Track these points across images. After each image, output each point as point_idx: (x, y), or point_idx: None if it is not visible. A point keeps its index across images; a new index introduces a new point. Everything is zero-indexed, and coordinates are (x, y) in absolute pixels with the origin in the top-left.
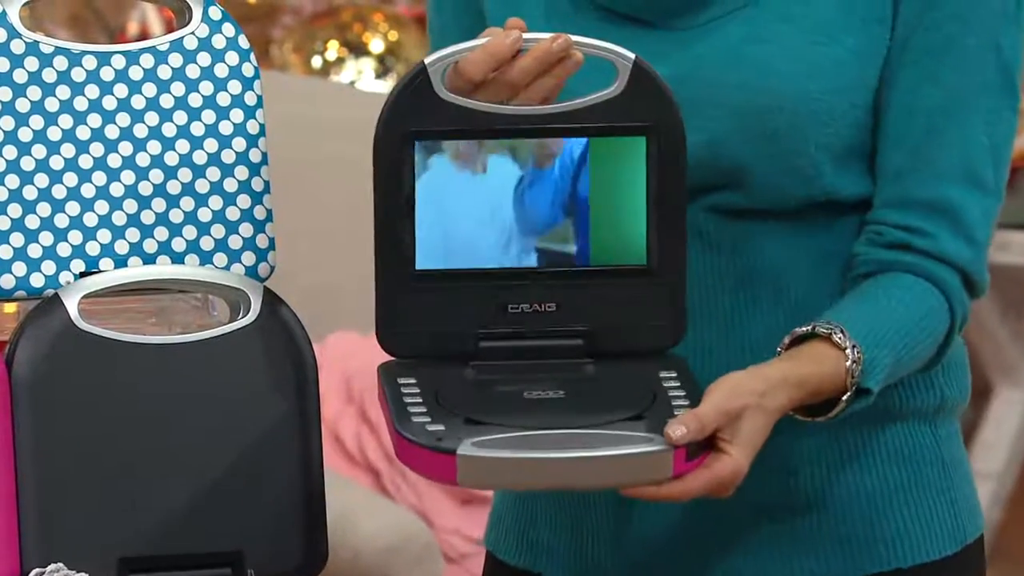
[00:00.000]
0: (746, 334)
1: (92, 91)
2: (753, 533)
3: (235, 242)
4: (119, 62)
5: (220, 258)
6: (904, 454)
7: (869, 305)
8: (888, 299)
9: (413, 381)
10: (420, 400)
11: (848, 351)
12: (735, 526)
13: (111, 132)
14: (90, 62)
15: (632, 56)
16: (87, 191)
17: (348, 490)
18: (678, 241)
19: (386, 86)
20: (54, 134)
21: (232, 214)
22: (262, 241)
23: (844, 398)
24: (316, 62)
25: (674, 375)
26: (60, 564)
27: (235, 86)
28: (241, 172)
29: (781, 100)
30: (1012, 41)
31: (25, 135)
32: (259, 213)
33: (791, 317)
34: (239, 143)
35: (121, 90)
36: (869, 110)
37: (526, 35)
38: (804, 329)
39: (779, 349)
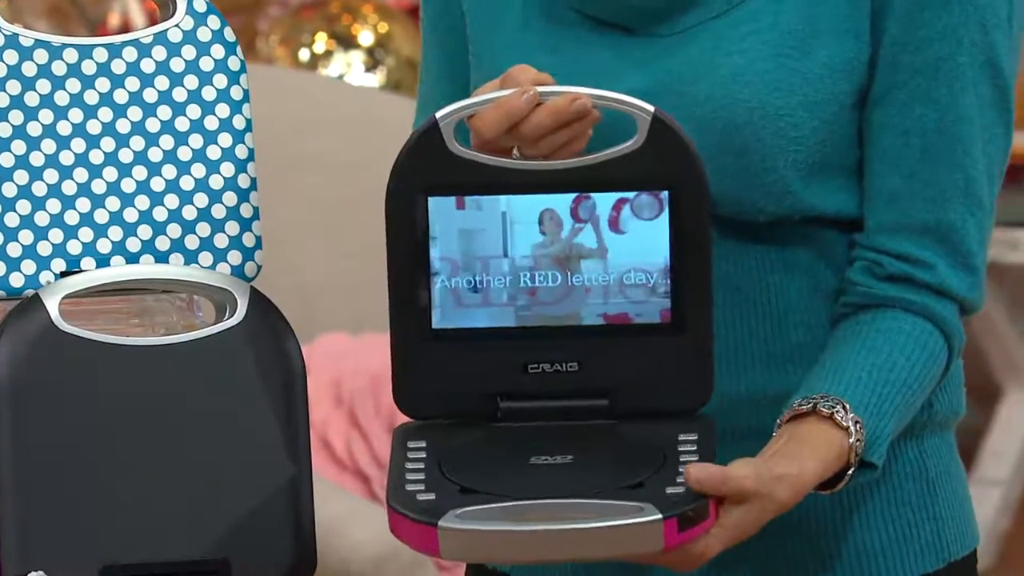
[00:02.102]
0: (726, 343)
1: (73, 85)
2: (727, 553)
3: (221, 241)
4: (101, 55)
5: (205, 257)
6: (884, 471)
7: (870, 362)
8: (890, 352)
9: (423, 444)
10: (422, 467)
11: (851, 428)
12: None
13: (93, 127)
14: (71, 55)
15: (651, 109)
16: (68, 188)
17: (337, 497)
18: (704, 297)
19: (376, 80)
20: (34, 129)
21: (218, 212)
22: (249, 240)
23: (848, 474)
24: (303, 55)
25: (694, 438)
26: (40, 572)
27: (221, 80)
28: (227, 169)
29: (747, 115)
30: (1004, 53)
31: (4, 130)
32: (245, 211)
33: (767, 331)
34: (225, 139)
35: (103, 84)
36: (844, 124)
37: (542, 89)
38: (805, 407)
39: (778, 422)
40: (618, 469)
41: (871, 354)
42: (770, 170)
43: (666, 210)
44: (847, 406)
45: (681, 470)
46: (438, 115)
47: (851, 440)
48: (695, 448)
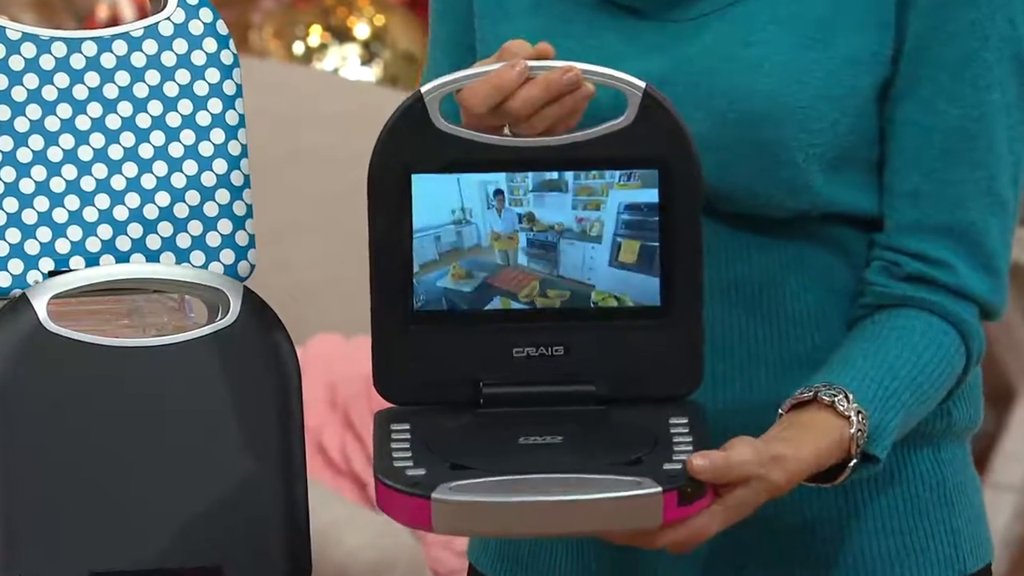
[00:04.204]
0: (733, 345)
1: (62, 79)
2: (737, 553)
3: (213, 239)
4: (90, 49)
5: (197, 256)
6: (900, 477)
7: (879, 358)
8: (900, 349)
9: (407, 427)
10: (407, 446)
11: (852, 418)
12: (716, 542)
13: (82, 123)
14: (59, 49)
15: (643, 85)
16: (56, 185)
17: (333, 502)
18: (694, 279)
19: (372, 74)
20: (21, 125)
21: (210, 210)
22: (242, 238)
23: (850, 465)
24: (298, 48)
25: (685, 421)
26: None
27: (213, 74)
28: (220, 165)
29: (767, 107)
30: None
31: None
32: (239, 209)
33: (779, 329)
34: (217, 135)
35: (92, 78)
36: (866, 118)
37: (533, 63)
38: (807, 396)
39: (780, 411)
40: (612, 448)
41: (880, 350)
42: (789, 164)
43: (656, 190)
44: (849, 396)
45: (676, 448)
46: (423, 89)
47: (852, 430)
48: (687, 431)
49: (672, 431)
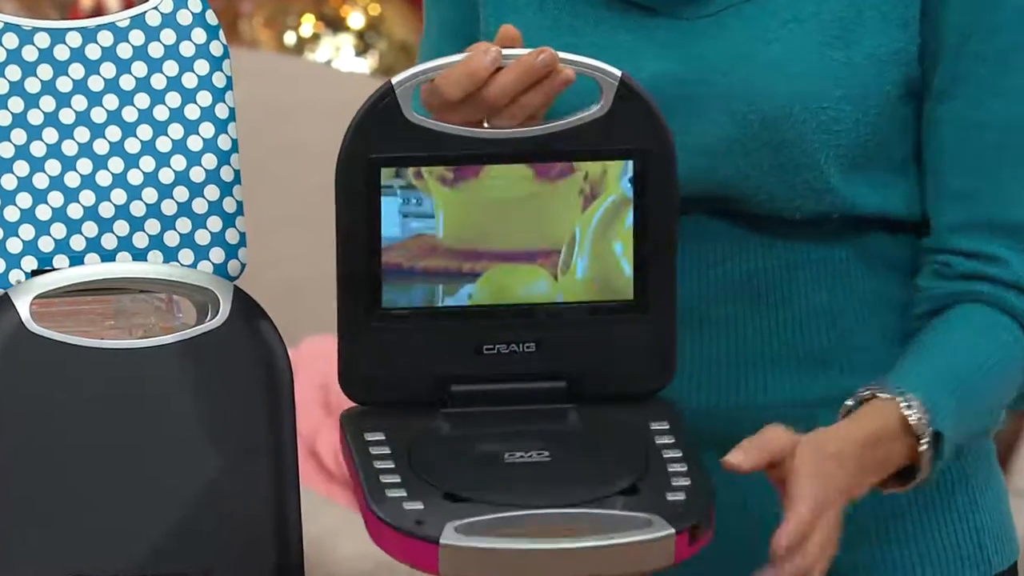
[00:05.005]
0: (751, 345)
1: (45, 71)
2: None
3: (202, 237)
4: (74, 40)
5: (186, 255)
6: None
7: (929, 350)
8: (946, 341)
9: (382, 437)
10: (392, 465)
11: (898, 399)
12: (735, 542)
13: (66, 117)
14: (43, 39)
15: (618, 73)
16: (40, 181)
17: (326, 509)
18: (668, 273)
19: (367, 65)
20: (3, 119)
21: (199, 207)
22: (232, 236)
23: (921, 448)
24: (289, 38)
25: (666, 427)
26: None
27: (202, 66)
28: (209, 160)
29: (788, 108)
30: None
31: None
32: (229, 205)
33: (792, 327)
34: (207, 129)
35: (77, 70)
36: (889, 118)
37: (507, 51)
38: (850, 403)
39: (841, 414)
40: (603, 469)
41: (930, 343)
42: (810, 166)
43: (630, 180)
44: (889, 384)
45: (671, 470)
46: (394, 80)
47: (903, 407)
48: (672, 441)
49: (658, 443)
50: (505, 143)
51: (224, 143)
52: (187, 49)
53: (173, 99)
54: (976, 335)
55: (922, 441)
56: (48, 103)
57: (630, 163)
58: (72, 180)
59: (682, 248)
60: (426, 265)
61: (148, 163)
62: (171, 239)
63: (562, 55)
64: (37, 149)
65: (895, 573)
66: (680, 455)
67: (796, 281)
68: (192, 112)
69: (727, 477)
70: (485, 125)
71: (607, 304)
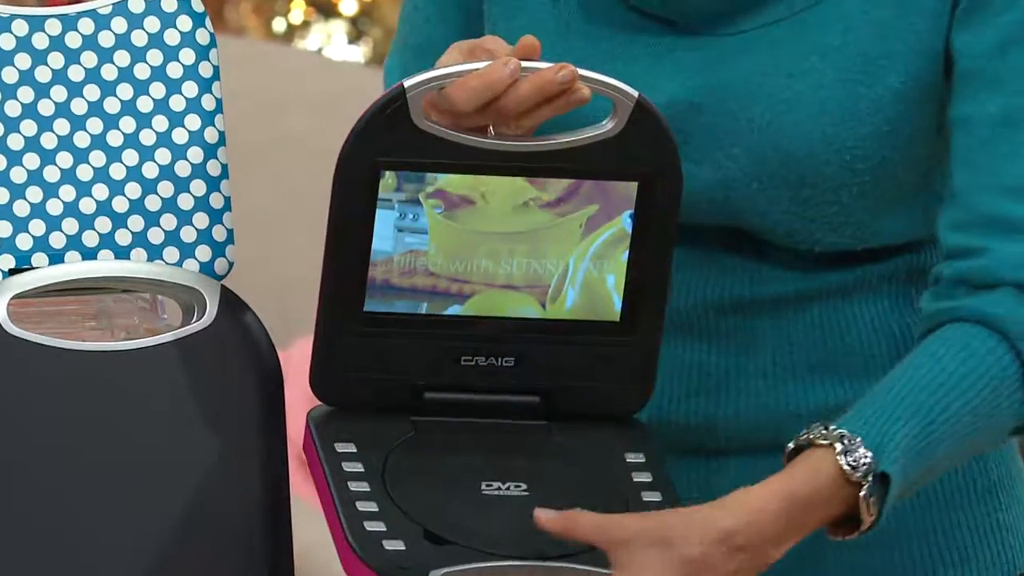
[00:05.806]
0: (758, 360)
1: (23, 61)
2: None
3: (188, 234)
4: (54, 27)
5: (171, 253)
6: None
7: (882, 386)
8: (910, 364)
9: (353, 450)
10: (367, 488)
11: (835, 445)
12: None
13: (45, 108)
14: (20, 27)
15: (635, 95)
16: (17, 175)
17: (316, 520)
18: (659, 296)
19: (360, 53)
20: None
21: (185, 202)
22: (219, 233)
23: (861, 494)
24: (279, 25)
25: (642, 460)
26: None
27: (188, 55)
28: (195, 154)
29: (809, 147)
30: None
31: None
32: (216, 201)
33: (800, 339)
34: (192, 121)
35: (56, 60)
36: (918, 147)
37: (526, 63)
38: (790, 446)
39: (784, 459)
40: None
41: (891, 373)
42: (831, 203)
43: (633, 201)
44: (829, 426)
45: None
46: (406, 84)
47: (837, 452)
48: (651, 480)
49: (636, 480)
50: (515, 156)
51: (211, 136)
52: (172, 37)
53: (157, 90)
54: (945, 349)
55: (863, 489)
56: (26, 94)
57: (636, 184)
58: (51, 174)
59: (693, 274)
60: (414, 283)
61: (131, 157)
62: (155, 236)
63: (581, 72)
64: (14, 142)
65: (916, 572)
66: (659, 497)
67: (802, 305)
68: (177, 103)
69: (721, 490)
70: (490, 132)
71: (592, 323)
